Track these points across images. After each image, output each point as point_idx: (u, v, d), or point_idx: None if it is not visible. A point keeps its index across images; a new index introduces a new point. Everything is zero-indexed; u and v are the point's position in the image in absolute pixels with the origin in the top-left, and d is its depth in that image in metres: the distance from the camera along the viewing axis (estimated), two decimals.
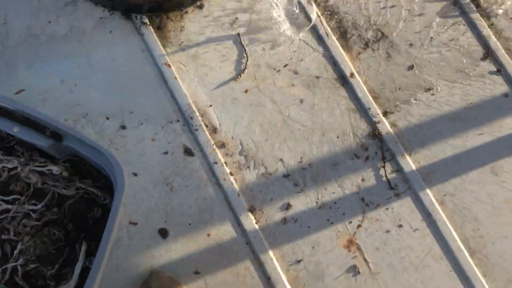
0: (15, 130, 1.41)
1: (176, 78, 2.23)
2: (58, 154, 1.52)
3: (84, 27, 2.26)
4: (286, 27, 2.39)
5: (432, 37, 2.46)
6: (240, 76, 2.29)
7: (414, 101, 2.36)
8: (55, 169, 1.50)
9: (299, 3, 2.42)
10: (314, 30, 2.40)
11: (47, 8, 2.27)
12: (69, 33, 2.25)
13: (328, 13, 2.46)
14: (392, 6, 2.49)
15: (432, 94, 2.37)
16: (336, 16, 2.45)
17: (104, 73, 2.21)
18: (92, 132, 2.13)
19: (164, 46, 2.28)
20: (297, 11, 2.40)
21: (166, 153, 2.14)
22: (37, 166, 1.50)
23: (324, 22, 2.42)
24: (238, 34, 2.35)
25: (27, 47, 2.21)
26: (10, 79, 2.16)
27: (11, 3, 2.26)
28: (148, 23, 2.29)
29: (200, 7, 2.36)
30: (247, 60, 2.31)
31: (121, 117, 2.16)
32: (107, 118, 2.15)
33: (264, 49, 2.35)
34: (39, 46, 2.21)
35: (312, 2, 2.42)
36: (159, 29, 2.30)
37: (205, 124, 2.20)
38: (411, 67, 2.40)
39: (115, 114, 2.16)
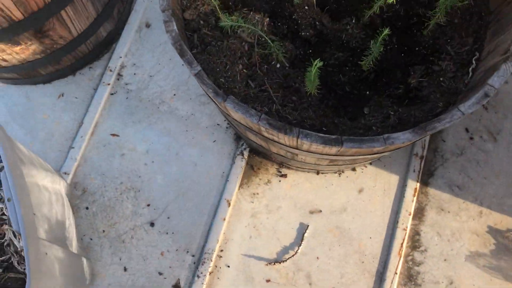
0: None
1: (224, 219, 2.19)
2: None
3: (200, 122, 2.36)
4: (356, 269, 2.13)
5: None
6: (275, 264, 2.13)
7: None
8: None
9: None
10: (379, 281, 2.09)
11: (190, 87, 2.43)
12: (186, 117, 2.37)
13: (407, 277, 2.10)
14: None
15: None
16: (413, 286, 2.08)
17: (179, 170, 2.29)
18: (129, 207, 2.24)
19: (240, 185, 2.25)
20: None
21: (161, 274, 2.13)
22: None
23: (396, 282, 2.08)
24: (308, 226, 2.18)
25: (149, 107, 2.40)
26: (119, 120, 2.38)
27: (171, 64, 2.47)
28: (246, 158, 2.27)
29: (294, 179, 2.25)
30: (294, 254, 2.13)
31: (158, 214, 2.22)
32: (148, 205, 2.23)
33: (318, 258, 2.14)
34: (158, 112, 2.39)
35: (402, 254, 2.11)
36: (251, 168, 2.27)
37: (210, 275, 2.12)
38: None
39: (156, 208, 2.23)
